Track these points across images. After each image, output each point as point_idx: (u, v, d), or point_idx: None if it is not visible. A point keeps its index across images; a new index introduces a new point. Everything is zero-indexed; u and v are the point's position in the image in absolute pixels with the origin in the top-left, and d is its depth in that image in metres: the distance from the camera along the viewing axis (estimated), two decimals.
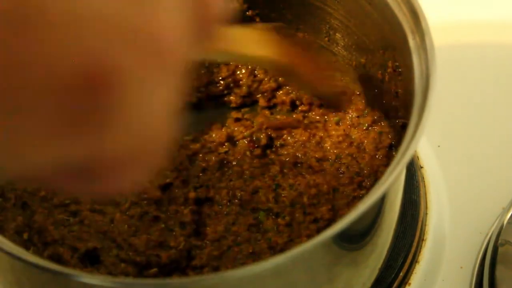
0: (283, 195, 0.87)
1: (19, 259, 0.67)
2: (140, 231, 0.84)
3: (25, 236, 0.84)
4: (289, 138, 0.93)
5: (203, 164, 0.91)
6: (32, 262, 0.67)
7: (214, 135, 0.93)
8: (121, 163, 0.42)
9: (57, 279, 0.69)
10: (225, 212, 0.87)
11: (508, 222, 0.89)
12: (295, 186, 0.88)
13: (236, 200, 0.88)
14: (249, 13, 0.98)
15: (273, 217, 0.86)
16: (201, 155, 0.91)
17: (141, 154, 0.42)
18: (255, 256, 0.82)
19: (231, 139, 0.93)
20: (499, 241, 0.87)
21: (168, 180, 0.89)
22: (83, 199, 0.85)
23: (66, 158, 0.40)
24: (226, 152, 0.92)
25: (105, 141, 0.39)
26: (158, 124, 0.42)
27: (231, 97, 0.98)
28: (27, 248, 0.81)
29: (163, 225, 0.85)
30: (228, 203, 0.87)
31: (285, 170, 0.90)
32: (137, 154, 0.42)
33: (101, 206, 0.86)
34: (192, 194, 0.88)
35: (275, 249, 0.83)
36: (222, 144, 0.93)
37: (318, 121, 0.94)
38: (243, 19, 0.98)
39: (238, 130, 0.94)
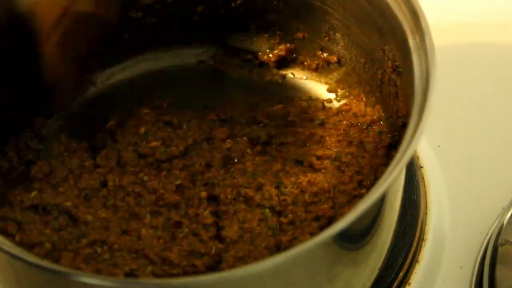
0: (285, 192, 0.88)
1: (19, 259, 0.67)
2: (169, 242, 0.85)
3: None
4: (289, 137, 0.93)
5: (208, 159, 0.91)
6: (32, 262, 0.67)
7: (214, 132, 0.94)
8: None
9: (57, 279, 0.69)
10: (232, 211, 0.87)
11: (508, 222, 0.89)
12: (296, 184, 0.88)
13: (241, 198, 0.88)
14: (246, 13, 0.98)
15: (276, 215, 0.86)
16: (206, 152, 0.92)
17: None
18: (271, 251, 0.82)
19: (232, 136, 0.93)
20: (499, 241, 0.87)
21: (178, 182, 0.89)
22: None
23: None
24: (228, 149, 0.92)
25: None
26: None
27: None
28: None
29: (187, 230, 0.86)
30: (233, 201, 0.88)
31: (286, 168, 0.90)
32: None
33: (125, 224, 0.86)
34: (203, 194, 0.88)
35: (280, 248, 0.83)
36: (223, 140, 0.93)
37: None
38: (239, 19, 0.99)
39: (237, 127, 0.94)
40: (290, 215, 0.86)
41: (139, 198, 0.88)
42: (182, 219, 0.86)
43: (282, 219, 0.86)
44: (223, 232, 0.85)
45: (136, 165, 0.91)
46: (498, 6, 1.13)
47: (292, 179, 0.89)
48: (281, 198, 0.87)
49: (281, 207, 0.86)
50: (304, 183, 0.88)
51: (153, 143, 0.92)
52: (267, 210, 0.87)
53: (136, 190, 0.88)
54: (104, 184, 0.89)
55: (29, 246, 0.83)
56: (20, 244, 0.82)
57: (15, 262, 0.70)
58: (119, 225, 0.86)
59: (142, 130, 0.93)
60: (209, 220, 0.86)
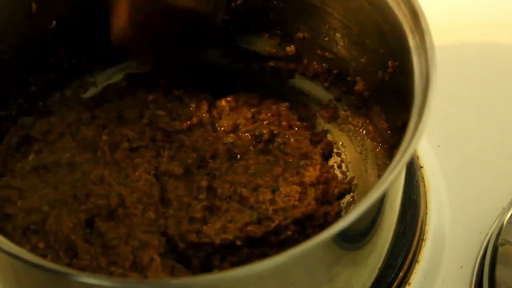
0: (278, 201, 0.87)
1: (19, 259, 0.67)
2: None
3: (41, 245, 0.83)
4: (292, 139, 0.93)
5: (214, 147, 0.91)
6: (32, 262, 0.67)
7: (220, 122, 0.94)
8: None
9: (57, 279, 0.69)
10: (224, 209, 0.87)
11: (508, 222, 0.89)
12: (291, 195, 0.88)
13: (236, 196, 0.88)
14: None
15: (263, 221, 0.86)
16: (211, 138, 0.92)
17: None
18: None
19: (235, 131, 0.93)
20: (499, 241, 0.87)
21: (190, 161, 0.89)
22: None
23: None
24: (232, 143, 0.92)
25: None
26: None
27: None
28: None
29: (172, 211, 0.86)
30: (229, 199, 0.88)
31: (286, 175, 0.90)
32: None
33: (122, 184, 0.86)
34: (204, 183, 0.88)
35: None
36: (227, 133, 0.93)
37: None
38: (240, 16, 0.99)
39: (242, 122, 0.94)
40: (273, 225, 0.86)
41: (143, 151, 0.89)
42: (174, 201, 0.86)
43: (267, 226, 0.86)
44: (204, 227, 0.85)
45: (138, 125, 0.91)
46: (498, 6, 1.13)
47: (288, 189, 0.88)
48: (274, 204, 0.87)
49: (270, 214, 0.86)
50: (297, 197, 0.88)
51: (159, 112, 0.92)
52: (255, 214, 0.86)
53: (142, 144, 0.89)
54: (102, 132, 0.90)
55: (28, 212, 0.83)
56: (21, 210, 0.83)
57: (15, 262, 0.70)
58: (116, 180, 0.86)
59: (151, 97, 0.94)
60: (199, 214, 0.86)
